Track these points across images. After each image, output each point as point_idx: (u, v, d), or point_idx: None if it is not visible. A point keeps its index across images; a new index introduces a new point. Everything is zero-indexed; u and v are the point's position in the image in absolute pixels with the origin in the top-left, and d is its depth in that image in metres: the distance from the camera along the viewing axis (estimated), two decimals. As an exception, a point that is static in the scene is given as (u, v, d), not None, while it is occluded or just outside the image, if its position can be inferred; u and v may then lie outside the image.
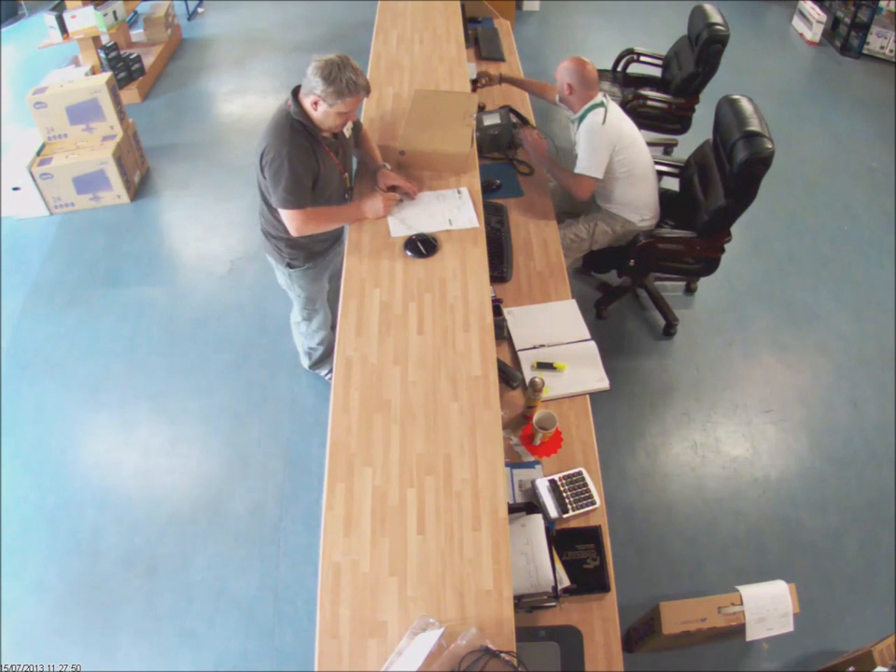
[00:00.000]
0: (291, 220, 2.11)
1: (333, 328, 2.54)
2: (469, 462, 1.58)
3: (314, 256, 2.39)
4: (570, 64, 2.68)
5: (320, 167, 2.08)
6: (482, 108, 3.11)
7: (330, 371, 2.93)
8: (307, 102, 1.97)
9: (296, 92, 2.02)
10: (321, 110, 1.95)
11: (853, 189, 4.10)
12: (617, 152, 2.64)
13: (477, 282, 1.99)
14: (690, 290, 3.44)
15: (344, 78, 1.87)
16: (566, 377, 2.12)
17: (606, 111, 2.60)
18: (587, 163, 2.62)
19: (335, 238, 2.45)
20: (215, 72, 5.13)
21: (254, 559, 2.47)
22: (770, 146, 2.44)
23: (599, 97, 2.66)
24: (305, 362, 2.96)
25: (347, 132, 2.23)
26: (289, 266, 2.39)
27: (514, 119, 3.02)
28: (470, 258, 2.06)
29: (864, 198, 4.04)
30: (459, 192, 2.28)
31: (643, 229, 2.84)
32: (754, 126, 2.51)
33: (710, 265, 2.92)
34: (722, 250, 2.82)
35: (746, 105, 2.64)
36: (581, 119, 2.65)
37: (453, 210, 2.22)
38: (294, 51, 5.24)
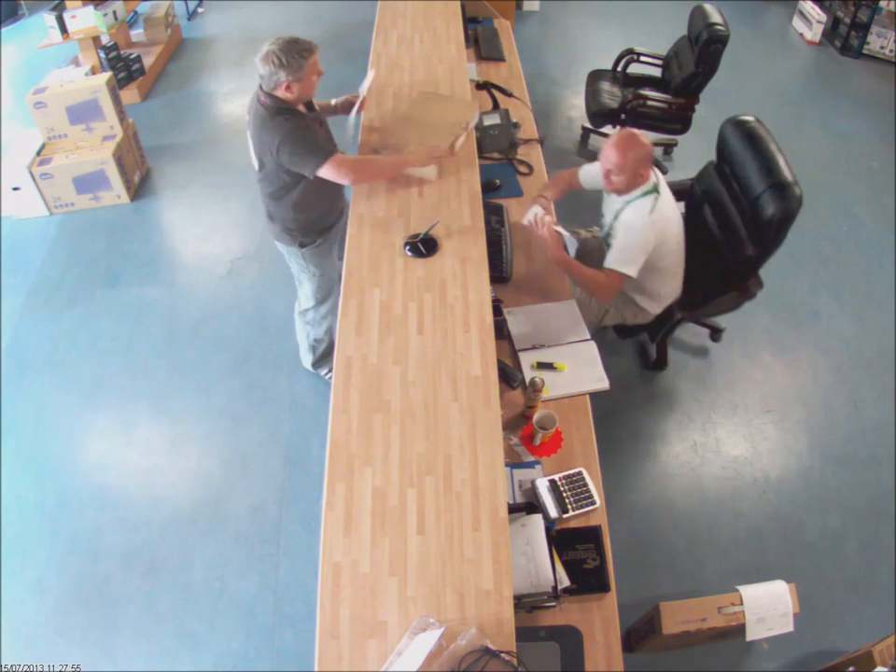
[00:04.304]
0: (338, 171, 2.14)
1: None
2: (469, 462, 1.58)
3: (323, 231, 2.46)
4: (626, 146, 2.13)
5: (315, 136, 2.19)
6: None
7: (331, 371, 2.93)
8: (280, 92, 2.09)
9: (261, 92, 2.11)
10: (297, 88, 2.08)
11: (853, 189, 4.10)
12: (658, 245, 2.27)
13: (477, 282, 1.99)
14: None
15: (293, 52, 2.02)
16: (566, 377, 2.12)
17: (657, 198, 2.22)
18: (623, 257, 2.22)
19: (340, 210, 2.53)
20: (215, 72, 5.13)
21: (254, 559, 2.47)
22: (799, 192, 2.26)
23: (652, 179, 2.24)
24: (308, 359, 2.94)
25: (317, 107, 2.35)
26: (302, 245, 2.43)
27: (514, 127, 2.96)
28: (470, 258, 2.06)
29: (864, 198, 4.04)
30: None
31: (658, 314, 2.59)
32: (783, 175, 2.30)
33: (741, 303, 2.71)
34: (753, 296, 2.64)
35: (764, 139, 2.40)
36: (629, 202, 2.25)
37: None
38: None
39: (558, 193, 2.58)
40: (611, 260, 2.25)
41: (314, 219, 2.41)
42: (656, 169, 2.28)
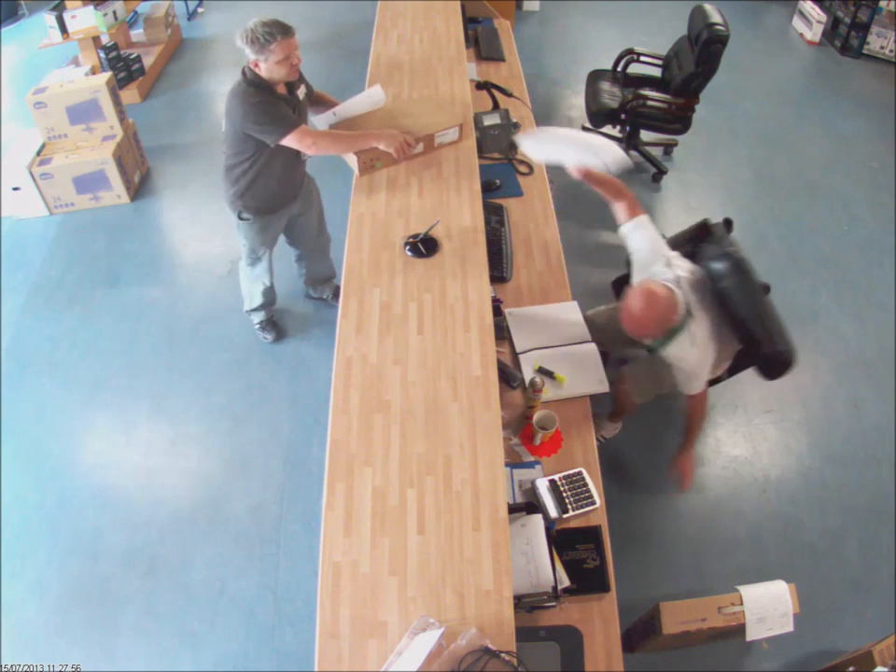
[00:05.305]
0: (301, 141, 2.29)
1: (312, 277, 3.14)
2: (469, 462, 1.58)
3: (262, 212, 2.59)
4: (644, 309, 1.95)
5: (282, 109, 2.30)
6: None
7: (260, 324, 3.12)
8: (255, 68, 2.28)
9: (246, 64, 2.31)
10: (264, 67, 2.24)
11: (853, 189, 4.09)
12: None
13: (477, 282, 1.99)
14: None
15: (259, 33, 2.19)
16: (566, 383, 2.11)
17: (690, 329, 2.04)
18: (692, 381, 2.14)
19: (290, 197, 2.64)
20: (215, 72, 5.13)
21: (254, 559, 2.47)
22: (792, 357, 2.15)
23: (680, 314, 1.99)
24: (246, 304, 3.09)
25: (301, 95, 2.44)
26: (239, 217, 2.61)
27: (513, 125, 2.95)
28: (470, 258, 2.06)
29: (864, 198, 4.03)
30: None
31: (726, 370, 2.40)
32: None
33: None
34: None
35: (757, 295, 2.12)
36: (664, 344, 2.09)
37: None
38: (294, 51, 5.24)
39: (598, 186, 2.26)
40: (687, 388, 2.18)
41: (255, 198, 2.52)
42: (681, 298, 2.02)
